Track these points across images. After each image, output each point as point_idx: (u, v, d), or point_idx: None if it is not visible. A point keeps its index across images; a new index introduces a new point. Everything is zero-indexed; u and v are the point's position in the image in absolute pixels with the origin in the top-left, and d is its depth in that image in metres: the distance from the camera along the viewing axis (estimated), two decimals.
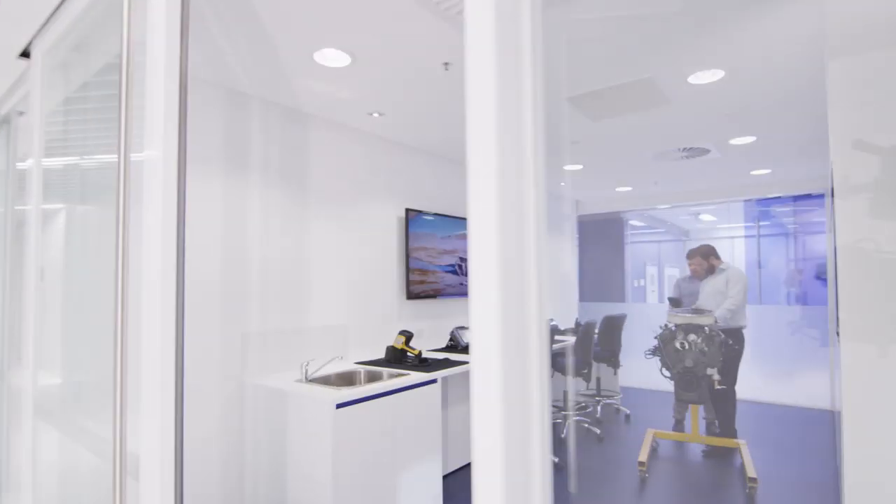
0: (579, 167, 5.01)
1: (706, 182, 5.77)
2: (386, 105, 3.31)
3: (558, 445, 4.33)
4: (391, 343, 3.73)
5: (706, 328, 3.65)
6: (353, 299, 3.68)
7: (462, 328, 4.40)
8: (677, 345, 3.62)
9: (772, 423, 5.04)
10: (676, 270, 11.67)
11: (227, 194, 2.92)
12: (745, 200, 7.41)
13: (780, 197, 6.89)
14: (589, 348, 4.58)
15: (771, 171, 5.21)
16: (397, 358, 3.60)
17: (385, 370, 3.30)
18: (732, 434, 4.12)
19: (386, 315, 3.96)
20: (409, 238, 4.10)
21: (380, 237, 3.94)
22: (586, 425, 4.77)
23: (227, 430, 2.84)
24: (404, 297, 4.12)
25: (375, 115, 3.47)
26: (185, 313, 1.14)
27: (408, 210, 4.12)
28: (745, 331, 4.25)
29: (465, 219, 4.39)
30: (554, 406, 4.96)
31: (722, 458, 4.03)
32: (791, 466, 3.83)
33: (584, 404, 5.56)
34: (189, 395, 2.57)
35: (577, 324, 5.80)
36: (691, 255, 4.60)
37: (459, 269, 4.68)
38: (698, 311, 3.76)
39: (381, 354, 3.80)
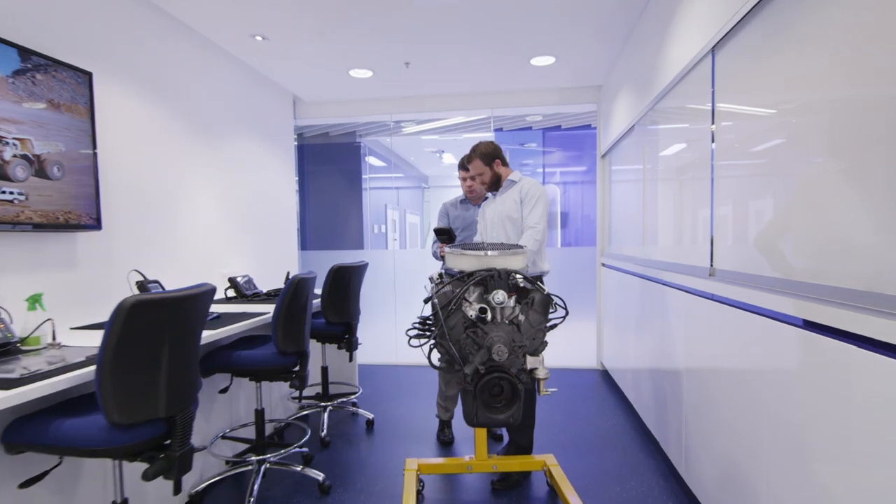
0: None
1: (474, 73, 4.11)
2: None
3: None
4: None
5: (519, 277, 1.85)
6: None
7: None
8: (472, 313, 1.73)
9: (556, 403, 3.78)
10: (418, 218, 10.50)
11: None
12: (498, 130, 6.26)
13: (554, 128, 5.90)
14: (300, 326, 2.40)
15: (556, 59, 3.82)
16: None
17: None
18: (530, 445, 2.56)
19: None
20: None
21: None
22: (298, 468, 2.62)
23: None
24: None
25: None
26: None
27: None
28: (546, 278, 2.69)
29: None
30: (240, 441, 2.65)
31: (527, 495, 2.43)
32: (615, 489, 2.46)
33: (294, 422, 3.40)
34: None
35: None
36: (465, 162, 2.78)
37: None
38: (507, 247, 1.95)
39: None
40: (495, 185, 2.66)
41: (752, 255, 1.69)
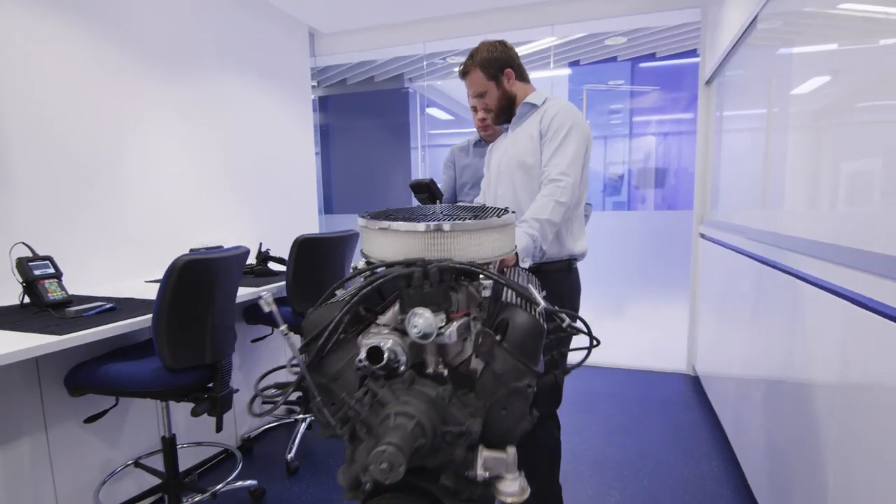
0: None
1: None
2: None
3: None
4: None
5: (481, 285, 0.90)
6: None
7: None
8: (361, 356, 0.81)
9: (620, 430, 2.78)
10: None
11: None
12: (573, 63, 5.03)
13: (640, 58, 4.59)
14: (203, 330, 1.63)
15: None
16: None
17: None
18: None
19: None
20: None
21: None
22: None
23: None
24: None
25: None
26: None
27: None
28: (579, 264, 1.68)
29: None
30: (155, 475, 1.99)
31: None
32: None
33: (232, 448, 2.73)
34: None
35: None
36: (461, 76, 1.72)
37: None
38: (472, 214, 1.00)
39: None
40: (507, 112, 1.65)
41: None
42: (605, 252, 4.02)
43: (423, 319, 0.80)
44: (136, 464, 1.94)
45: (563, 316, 0.96)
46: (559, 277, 1.58)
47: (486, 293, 0.92)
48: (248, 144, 3.26)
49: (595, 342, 1.01)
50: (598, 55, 4.77)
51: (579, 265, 1.70)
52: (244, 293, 2.19)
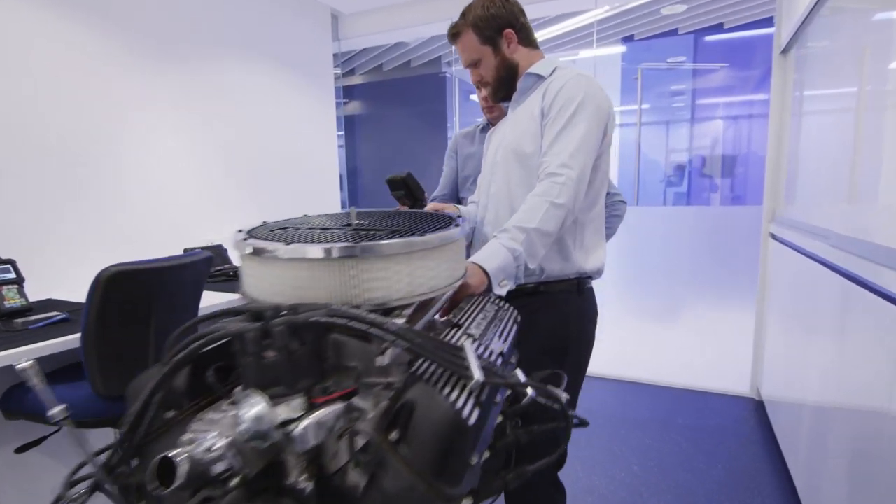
0: None
1: None
2: None
3: None
4: None
5: (391, 332, 0.57)
6: None
7: None
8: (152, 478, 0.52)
9: (659, 470, 2.37)
10: None
11: None
12: (627, 39, 4.52)
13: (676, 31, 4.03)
14: (143, 351, 1.40)
15: None
16: None
17: None
18: None
19: None
20: None
21: None
22: None
23: None
24: None
25: None
26: None
27: None
28: (595, 282, 1.30)
29: None
30: None
31: None
32: None
33: None
34: None
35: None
36: (451, 39, 1.36)
37: None
38: (403, 224, 0.69)
39: None
40: (508, 85, 1.29)
41: None
42: (655, 252, 3.55)
43: (252, 412, 0.49)
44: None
45: (529, 390, 0.62)
46: (565, 298, 1.22)
47: (384, 360, 0.59)
48: (259, 138, 3.06)
49: (575, 422, 0.66)
50: (654, 28, 4.24)
51: (598, 282, 1.32)
52: (234, 299, 1.98)
